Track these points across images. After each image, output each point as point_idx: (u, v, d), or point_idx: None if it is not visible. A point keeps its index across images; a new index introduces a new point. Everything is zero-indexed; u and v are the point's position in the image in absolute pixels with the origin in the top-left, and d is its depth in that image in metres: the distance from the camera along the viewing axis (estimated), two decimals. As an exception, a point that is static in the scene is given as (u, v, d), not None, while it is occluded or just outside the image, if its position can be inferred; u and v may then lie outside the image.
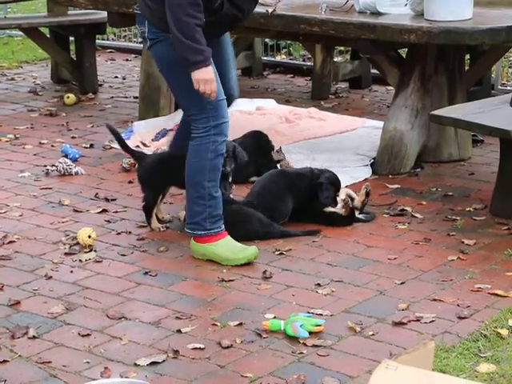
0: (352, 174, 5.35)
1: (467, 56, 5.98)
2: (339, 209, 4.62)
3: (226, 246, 4.14)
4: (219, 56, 4.18)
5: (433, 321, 3.62)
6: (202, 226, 4.14)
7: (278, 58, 8.25)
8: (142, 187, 4.58)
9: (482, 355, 3.34)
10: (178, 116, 6.26)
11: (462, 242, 4.37)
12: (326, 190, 4.60)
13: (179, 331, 3.55)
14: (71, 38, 7.45)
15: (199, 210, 4.11)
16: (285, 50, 8.37)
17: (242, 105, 6.64)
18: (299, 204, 4.60)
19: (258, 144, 5.31)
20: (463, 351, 3.36)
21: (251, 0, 4.15)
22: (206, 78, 3.90)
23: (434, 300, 3.81)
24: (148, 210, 4.54)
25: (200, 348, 3.42)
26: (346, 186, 5.11)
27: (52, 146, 5.89)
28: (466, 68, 5.79)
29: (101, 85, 7.41)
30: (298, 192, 4.60)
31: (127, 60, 8.43)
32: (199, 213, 4.12)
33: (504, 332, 3.50)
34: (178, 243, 4.41)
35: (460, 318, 3.65)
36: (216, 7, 3.97)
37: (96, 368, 3.28)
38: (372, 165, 5.44)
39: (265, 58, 8.02)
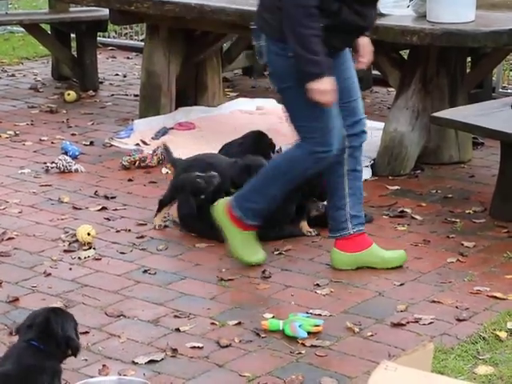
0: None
1: (468, 58, 5.99)
2: None
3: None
4: (340, 75, 3.93)
5: (431, 322, 3.62)
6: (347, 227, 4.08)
7: (279, 58, 8.23)
8: (169, 187, 4.64)
9: (480, 357, 3.34)
10: (178, 114, 6.28)
11: (462, 244, 4.36)
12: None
13: (178, 330, 3.55)
14: (72, 35, 7.44)
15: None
16: (286, 50, 8.35)
17: (242, 104, 6.64)
18: (305, 199, 4.54)
19: (258, 144, 5.30)
20: (462, 353, 3.36)
21: (371, 5, 3.95)
22: (321, 88, 3.74)
23: (433, 302, 3.81)
24: (161, 205, 4.59)
25: (198, 347, 3.42)
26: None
27: (52, 142, 5.88)
28: (468, 70, 5.79)
29: (101, 82, 7.41)
30: (300, 189, 4.52)
31: (128, 58, 8.42)
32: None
33: (502, 334, 3.50)
34: (177, 242, 4.40)
35: (459, 320, 3.65)
36: (334, 10, 3.77)
37: (94, 365, 3.28)
38: (372, 166, 5.44)
39: (266, 58, 8.01)
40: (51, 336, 2.81)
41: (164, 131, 5.96)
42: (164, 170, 5.37)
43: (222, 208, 4.11)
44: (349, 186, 4.05)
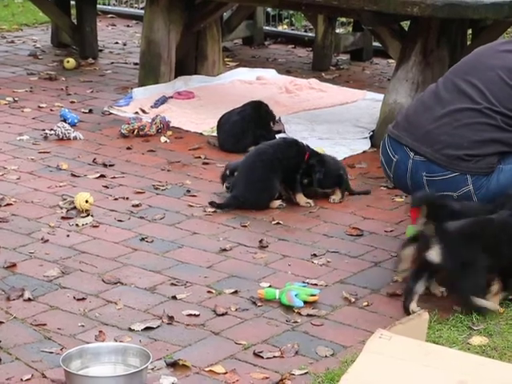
0: (351, 146, 5.34)
1: (469, 31, 5.96)
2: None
3: None
4: None
5: (427, 293, 3.63)
6: None
7: (280, 28, 8.22)
8: None
9: (474, 328, 3.36)
10: (177, 83, 6.27)
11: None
12: (319, 172, 4.53)
13: (174, 297, 3.56)
14: (72, 2, 7.40)
15: None
16: (287, 21, 8.33)
17: (242, 74, 6.63)
18: (291, 173, 4.53)
19: (257, 114, 5.30)
20: (457, 324, 3.38)
21: None
22: None
23: (430, 273, 3.82)
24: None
25: (195, 314, 3.43)
26: (345, 158, 5.13)
27: (51, 110, 5.87)
28: (468, 43, 5.76)
29: (101, 50, 7.38)
30: (284, 164, 4.51)
31: (128, 26, 8.38)
32: None
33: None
34: (175, 210, 4.41)
35: (455, 291, 3.66)
36: None
37: (90, 332, 3.30)
38: (371, 137, 5.43)
39: (266, 28, 7.98)
40: None
41: (163, 100, 5.95)
42: (163, 139, 5.36)
43: None
44: None
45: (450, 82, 3.86)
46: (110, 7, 8.83)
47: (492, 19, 5.35)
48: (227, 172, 4.58)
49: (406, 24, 5.85)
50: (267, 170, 4.45)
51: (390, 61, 6.92)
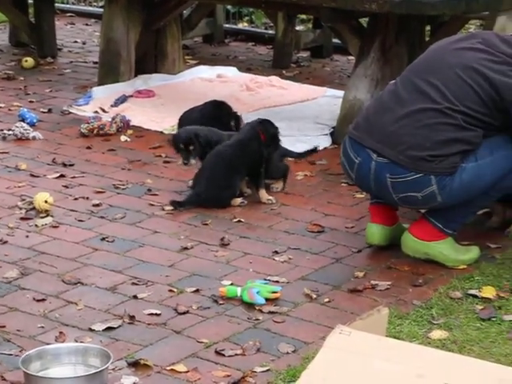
0: (312, 142, 5.35)
1: (428, 27, 6.00)
2: None
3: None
4: None
5: (388, 288, 3.65)
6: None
7: (240, 26, 8.21)
8: None
9: (434, 322, 3.38)
10: (137, 82, 6.24)
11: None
12: (272, 128, 4.53)
13: (135, 297, 3.54)
14: (30, 1, 7.33)
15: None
16: (247, 18, 8.33)
17: (202, 72, 6.61)
18: (255, 168, 4.53)
19: (218, 112, 5.29)
20: (417, 318, 3.40)
21: None
22: None
23: (390, 268, 3.84)
24: None
25: (156, 314, 3.42)
26: (306, 155, 5.15)
27: (9, 109, 5.81)
28: (427, 39, 5.80)
29: (60, 49, 7.32)
30: (246, 161, 4.52)
31: (87, 25, 8.33)
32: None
33: (457, 300, 3.55)
34: (135, 210, 4.39)
35: (415, 285, 3.68)
36: None
37: (51, 333, 3.27)
38: (332, 134, 5.45)
39: (226, 26, 7.98)
40: None
41: (123, 99, 5.92)
42: (123, 138, 5.34)
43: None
44: None
45: (408, 81, 3.87)
46: (68, 5, 8.77)
47: (449, 15, 5.40)
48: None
49: (365, 21, 5.88)
50: (229, 168, 4.45)
51: (350, 57, 6.94)
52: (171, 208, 4.38)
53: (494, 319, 3.41)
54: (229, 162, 4.46)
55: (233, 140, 4.59)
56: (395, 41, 5.35)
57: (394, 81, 4.01)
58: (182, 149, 4.56)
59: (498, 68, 3.72)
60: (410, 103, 3.77)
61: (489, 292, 3.60)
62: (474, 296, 3.58)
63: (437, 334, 3.28)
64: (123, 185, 4.67)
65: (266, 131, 4.54)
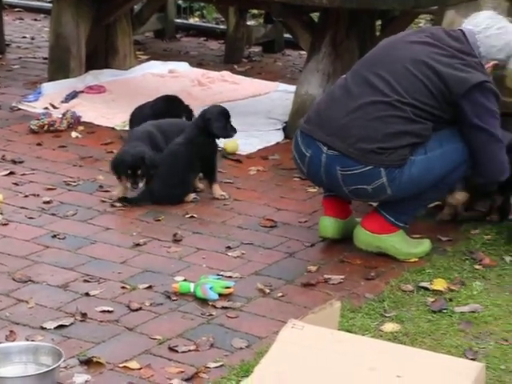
0: (264, 137, 5.36)
1: (378, 22, 6.03)
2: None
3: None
4: None
5: (341, 282, 3.67)
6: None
7: (191, 21, 8.18)
8: None
9: (386, 315, 3.40)
10: (88, 77, 6.18)
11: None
12: (215, 121, 4.51)
13: (87, 294, 3.52)
14: (-23, -4, 7.23)
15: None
16: (198, 13, 8.30)
17: (154, 67, 6.58)
18: (209, 163, 4.53)
19: (169, 108, 5.26)
20: (369, 311, 3.42)
21: None
22: None
23: (343, 262, 3.86)
24: None
25: (108, 311, 3.39)
26: (259, 150, 5.15)
27: (-43, 107, 5.73)
28: (377, 34, 5.83)
29: (8, 45, 7.22)
30: (199, 156, 4.51)
31: (36, 20, 8.23)
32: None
33: (409, 293, 3.58)
34: (87, 207, 4.35)
35: (367, 279, 3.71)
36: None
37: (1, 332, 3.23)
38: (284, 129, 5.46)
39: (178, 21, 7.94)
40: None
41: (73, 95, 5.86)
42: (74, 134, 5.29)
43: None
44: None
45: (359, 75, 3.89)
46: (16, 0, 8.63)
47: (399, 10, 5.44)
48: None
49: (317, 16, 5.89)
50: (182, 166, 4.43)
51: (302, 52, 6.95)
52: (123, 204, 4.35)
53: (444, 311, 3.45)
54: (182, 160, 4.44)
55: (182, 138, 4.57)
56: (346, 36, 5.38)
57: (344, 75, 4.02)
58: (129, 174, 4.38)
59: (447, 61, 3.76)
60: (361, 97, 3.80)
61: (440, 284, 3.63)
62: (426, 288, 3.61)
63: (389, 326, 3.30)
64: (74, 181, 4.63)
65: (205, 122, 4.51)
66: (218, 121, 4.51)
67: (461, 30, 3.92)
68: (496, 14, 3.97)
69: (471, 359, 3.01)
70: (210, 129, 4.49)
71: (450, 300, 3.54)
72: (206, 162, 4.50)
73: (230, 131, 4.57)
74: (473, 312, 3.44)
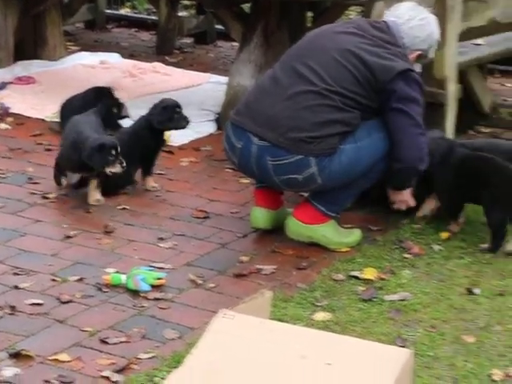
0: (197, 128, 5.34)
1: (310, 14, 6.07)
2: None
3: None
4: None
5: (273, 272, 3.69)
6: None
7: (122, 12, 8.11)
8: None
9: (318, 304, 3.43)
10: (16, 68, 6.09)
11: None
12: (158, 115, 4.49)
13: (17, 287, 3.47)
14: None
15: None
16: (129, 3, 8.23)
17: (84, 58, 6.51)
18: (150, 155, 4.51)
19: (100, 99, 5.20)
20: (301, 301, 3.45)
21: None
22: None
23: (274, 252, 3.88)
24: None
25: (38, 303, 3.36)
26: (191, 141, 5.13)
27: None
28: (309, 25, 5.86)
29: None
30: (141, 149, 4.48)
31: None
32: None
33: (340, 282, 3.61)
34: (16, 199, 4.29)
35: (299, 269, 3.73)
36: None
37: None
38: (217, 120, 5.46)
39: (108, 11, 7.87)
40: None
41: (2, 86, 5.78)
42: (3, 126, 5.20)
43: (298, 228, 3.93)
44: None
45: (287, 65, 3.91)
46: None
47: (330, 1, 5.48)
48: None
49: (248, 7, 5.89)
50: (125, 158, 4.37)
51: (234, 44, 6.95)
52: (53, 196, 4.30)
53: (375, 300, 3.49)
54: (122, 149, 4.39)
55: (129, 128, 4.54)
56: (277, 26, 5.39)
57: (272, 67, 4.04)
58: (113, 155, 4.22)
59: (373, 50, 3.82)
60: (290, 87, 3.82)
61: (370, 273, 3.67)
62: (356, 278, 3.65)
63: (320, 315, 3.33)
64: (3, 174, 4.56)
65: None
66: (161, 114, 4.49)
67: (385, 21, 3.98)
68: (417, 5, 4.04)
69: (401, 346, 3.05)
70: (151, 121, 4.47)
71: (380, 288, 3.58)
72: (147, 154, 4.47)
73: (172, 123, 4.51)
74: (402, 300, 3.49)
